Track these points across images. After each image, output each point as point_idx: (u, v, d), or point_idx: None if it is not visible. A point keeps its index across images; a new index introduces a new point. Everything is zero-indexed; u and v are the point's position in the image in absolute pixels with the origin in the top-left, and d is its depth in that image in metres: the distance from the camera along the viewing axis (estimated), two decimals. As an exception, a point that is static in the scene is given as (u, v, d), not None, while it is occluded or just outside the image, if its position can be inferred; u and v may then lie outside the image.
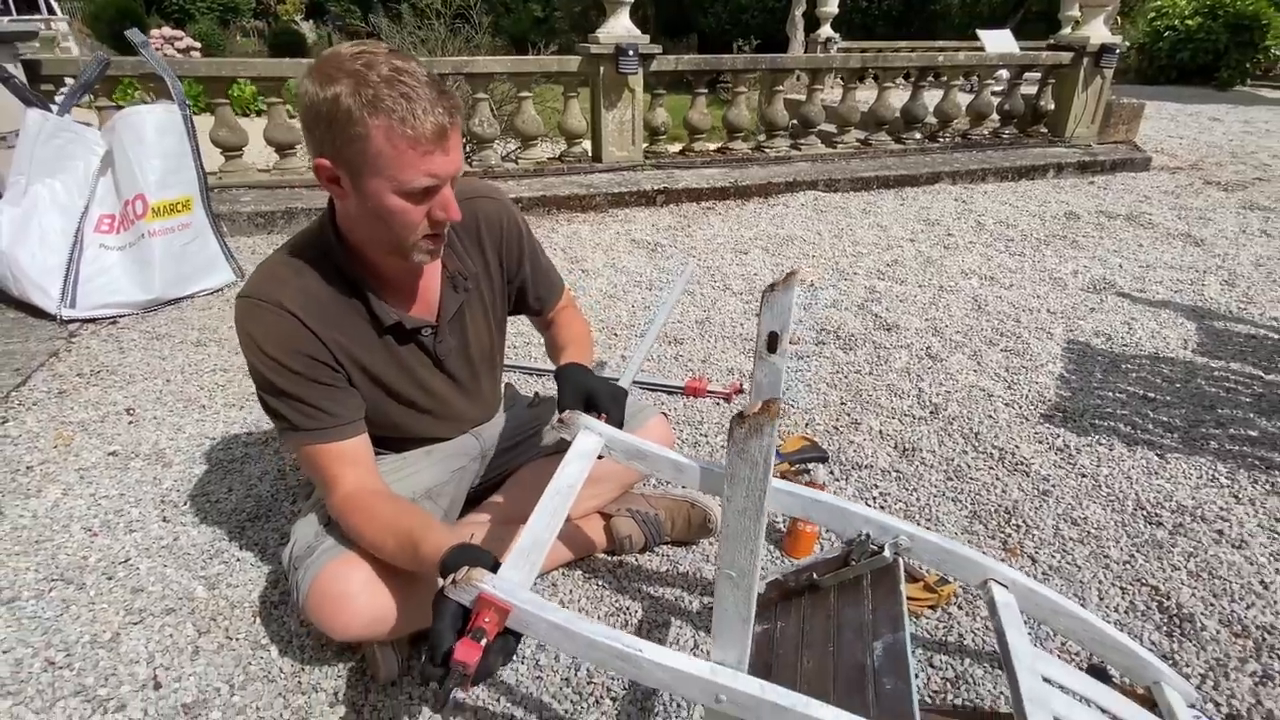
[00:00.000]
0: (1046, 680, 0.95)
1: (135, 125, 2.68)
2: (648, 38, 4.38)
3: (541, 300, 1.39)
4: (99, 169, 2.67)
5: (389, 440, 1.32)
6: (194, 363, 2.36)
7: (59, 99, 2.77)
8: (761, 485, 0.71)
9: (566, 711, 1.17)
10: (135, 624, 1.33)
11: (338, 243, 1.11)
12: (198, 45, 11.55)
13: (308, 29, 19.39)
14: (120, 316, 2.68)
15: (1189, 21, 11.10)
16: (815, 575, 1.16)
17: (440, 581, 0.90)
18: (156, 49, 2.97)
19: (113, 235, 2.71)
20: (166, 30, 11.34)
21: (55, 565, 1.48)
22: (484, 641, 0.82)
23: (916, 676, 1.19)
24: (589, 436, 1.13)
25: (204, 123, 3.27)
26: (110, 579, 1.44)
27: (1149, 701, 1.10)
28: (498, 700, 1.19)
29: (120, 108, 3.17)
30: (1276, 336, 2.59)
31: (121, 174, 2.70)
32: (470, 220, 1.24)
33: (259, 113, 8.62)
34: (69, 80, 3.61)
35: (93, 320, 2.64)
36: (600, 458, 1.12)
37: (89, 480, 1.76)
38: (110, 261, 2.68)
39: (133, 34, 2.88)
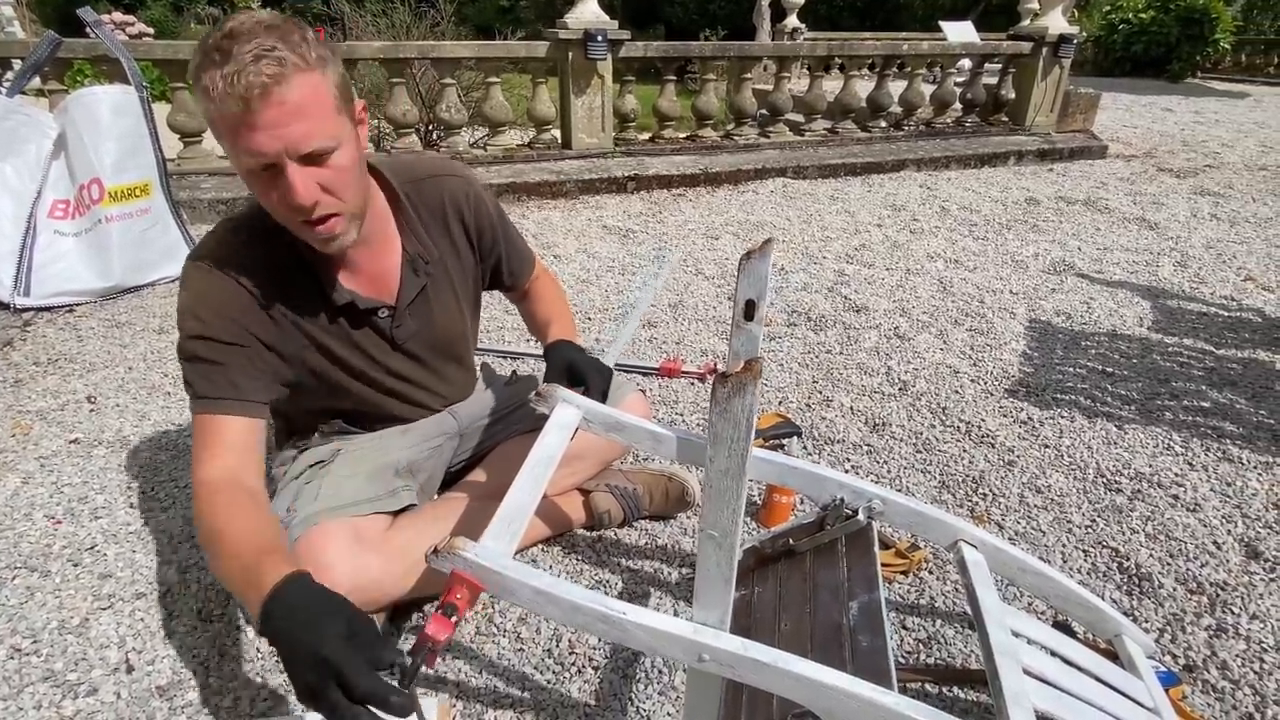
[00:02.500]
0: (1015, 634, 0.99)
1: (90, 106, 2.59)
2: (616, 23, 4.37)
3: (515, 275, 1.37)
4: (51, 152, 2.58)
5: (361, 417, 1.30)
6: (157, 350, 2.30)
7: (8, 80, 2.67)
8: (744, 444, 0.71)
9: (549, 682, 1.18)
10: (105, 609, 1.31)
11: None
12: (150, 31, 11.19)
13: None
14: (77, 304, 2.60)
15: (1142, 15, 11.43)
16: (791, 541, 1.18)
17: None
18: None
19: (68, 221, 2.62)
20: (118, 15, 10.97)
21: (18, 553, 1.44)
22: (454, 618, 0.82)
23: (891, 638, 1.22)
24: (567, 409, 1.13)
25: (161, 110, 3.17)
26: (77, 565, 1.41)
27: (1111, 654, 1.15)
28: (480, 673, 1.19)
29: (69, 93, 3.07)
30: (1226, 314, 2.70)
31: (75, 157, 2.61)
32: (434, 201, 1.20)
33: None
34: (16, 63, 3.48)
35: (48, 308, 2.56)
36: (578, 430, 1.13)
37: (50, 468, 1.71)
38: (66, 248, 2.60)
39: (85, 13, 2.78)
